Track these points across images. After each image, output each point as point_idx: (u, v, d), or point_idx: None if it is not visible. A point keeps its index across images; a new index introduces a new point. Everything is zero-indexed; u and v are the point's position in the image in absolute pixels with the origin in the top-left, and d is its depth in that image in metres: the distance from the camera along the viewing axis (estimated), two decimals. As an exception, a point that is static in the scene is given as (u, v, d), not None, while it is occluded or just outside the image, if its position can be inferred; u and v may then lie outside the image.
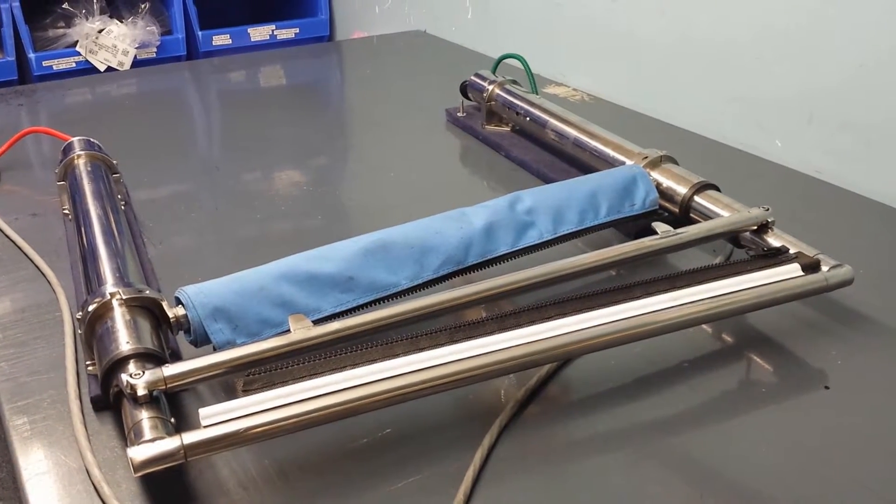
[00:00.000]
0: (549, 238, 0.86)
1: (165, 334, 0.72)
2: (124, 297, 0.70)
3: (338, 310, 0.74)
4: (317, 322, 0.71)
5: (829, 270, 0.77)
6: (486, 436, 0.66)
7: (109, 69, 2.20)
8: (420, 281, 0.78)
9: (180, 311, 0.71)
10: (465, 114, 1.37)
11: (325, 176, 1.25)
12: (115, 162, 1.05)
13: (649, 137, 1.07)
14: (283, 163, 1.27)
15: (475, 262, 0.81)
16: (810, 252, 0.79)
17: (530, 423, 0.70)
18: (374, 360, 0.64)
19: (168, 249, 0.99)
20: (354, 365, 0.64)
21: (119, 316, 0.69)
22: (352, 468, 0.65)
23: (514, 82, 1.31)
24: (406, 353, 0.65)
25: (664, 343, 0.77)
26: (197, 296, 0.71)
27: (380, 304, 0.77)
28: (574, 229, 0.88)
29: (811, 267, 0.77)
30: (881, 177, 1.09)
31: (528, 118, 1.21)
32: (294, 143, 1.35)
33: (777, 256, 0.80)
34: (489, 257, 0.82)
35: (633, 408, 0.72)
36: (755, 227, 0.85)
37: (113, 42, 2.17)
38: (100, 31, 2.21)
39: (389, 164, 1.26)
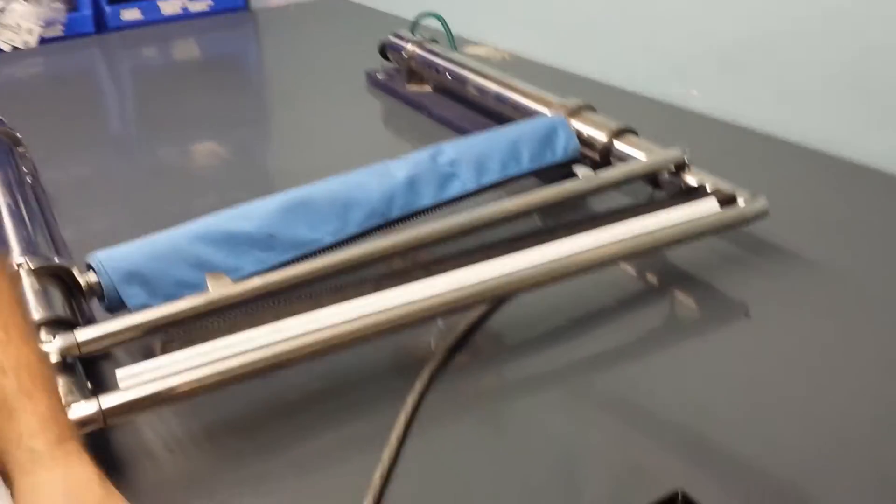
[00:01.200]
0: (473, 188, 0.85)
1: (79, 303, 0.69)
2: (32, 267, 0.67)
3: (259, 269, 0.73)
4: (237, 281, 0.69)
5: (745, 203, 0.79)
6: (417, 382, 0.66)
7: (14, 49, 2.11)
8: (343, 236, 0.77)
9: (92, 277, 0.68)
10: (385, 76, 1.35)
11: (246, 147, 1.22)
12: (18, 135, 1.01)
13: (570, 91, 1.07)
14: (202, 137, 1.24)
15: (399, 216, 0.80)
16: (727, 187, 0.80)
17: (460, 369, 0.69)
18: (297, 313, 0.63)
19: (84, 229, 0.94)
20: (277, 319, 0.62)
21: (28, 286, 0.66)
22: (281, 425, 0.64)
23: (434, 41, 1.30)
24: (331, 303, 0.64)
25: (590, 286, 0.77)
26: (109, 260, 0.68)
27: (303, 260, 0.75)
28: (497, 179, 0.87)
29: (728, 201, 0.79)
30: (792, 117, 1.12)
31: (448, 76, 1.20)
32: (213, 117, 1.32)
33: (695, 193, 0.81)
34: (413, 210, 0.81)
35: (562, 349, 0.72)
36: (673, 168, 0.86)
37: (17, 21, 2.07)
38: (1, 11, 2.11)
39: (312, 131, 1.24)
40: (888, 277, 0.81)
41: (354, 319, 0.63)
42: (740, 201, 0.79)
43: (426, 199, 0.82)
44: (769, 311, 0.76)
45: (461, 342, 0.72)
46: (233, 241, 0.72)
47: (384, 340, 0.70)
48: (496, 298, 0.72)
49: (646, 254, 0.75)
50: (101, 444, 0.61)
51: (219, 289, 0.65)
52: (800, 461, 0.60)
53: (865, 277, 0.81)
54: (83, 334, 0.61)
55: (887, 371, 0.69)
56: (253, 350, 0.60)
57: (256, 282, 0.66)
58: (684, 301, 0.79)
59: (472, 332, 0.73)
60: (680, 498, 0.51)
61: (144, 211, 1.01)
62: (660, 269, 0.82)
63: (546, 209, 0.81)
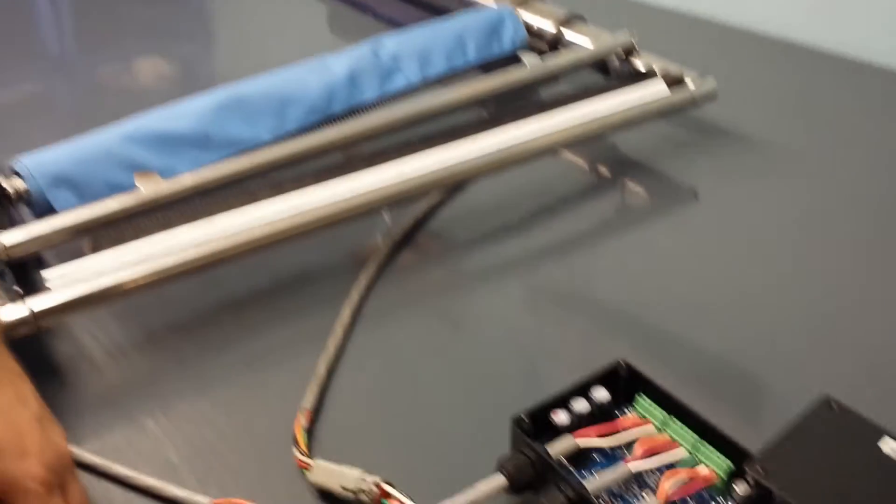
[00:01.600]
0: (417, 82, 0.83)
1: (8, 212, 0.66)
2: (-48, 174, 0.64)
3: (194, 169, 0.70)
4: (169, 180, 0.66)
5: (693, 85, 0.77)
6: (363, 275, 0.64)
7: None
8: (282, 133, 0.74)
9: (19, 183, 0.65)
10: (328, -22, 1.30)
11: (188, 60, 1.17)
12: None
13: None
14: (142, 51, 1.19)
15: (341, 112, 0.78)
16: (675, 70, 0.79)
17: (408, 263, 0.68)
18: (234, 209, 0.61)
19: (19, 150, 0.91)
20: (212, 215, 0.60)
21: (-51, 195, 0.63)
22: (226, 323, 0.62)
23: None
24: (269, 198, 0.62)
25: (539, 178, 0.76)
26: (36, 165, 0.65)
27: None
28: (442, 72, 0.84)
29: (676, 83, 0.77)
30: (746, 5, 1.10)
31: (393, -27, 1.16)
32: (152, 29, 1.26)
33: (644, 78, 0.79)
34: (355, 105, 0.78)
35: (512, 241, 0.71)
36: (622, 53, 0.83)
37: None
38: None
39: (255, 38, 1.19)
40: (839, 158, 0.80)
41: (294, 214, 0.61)
42: (688, 83, 0.77)
43: (368, 94, 0.79)
44: (718, 193, 0.76)
45: (408, 236, 0.71)
46: (167, 141, 0.69)
47: (330, 236, 0.69)
48: (442, 188, 0.71)
49: (595, 138, 0.74)
50: (40, 353, 0.60)
51: (150, 188, 0.63)
52: (740, 338, 0.60)
53: (816, 158, 0.80)
54: (9, 238, 0.58)
55: (836, 251, 0.69)
56: (187, 247, 0.58)
57: (189, 179, 0.64)
58: (634, 188, 0.78)
59: (420, 225, 0.72)
60: (623, 365, 0.51)
61: (84, 131, 0.97)
62: (610, 157, 0.81)
63: (493, 98, 0.79)
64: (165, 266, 0.57)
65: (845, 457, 0.47)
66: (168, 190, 0.63)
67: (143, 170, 0.67)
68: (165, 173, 0.68)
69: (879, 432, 0.47)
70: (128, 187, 0.66)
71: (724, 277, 0.66)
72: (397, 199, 0.65)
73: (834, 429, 0.48)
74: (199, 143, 0.70)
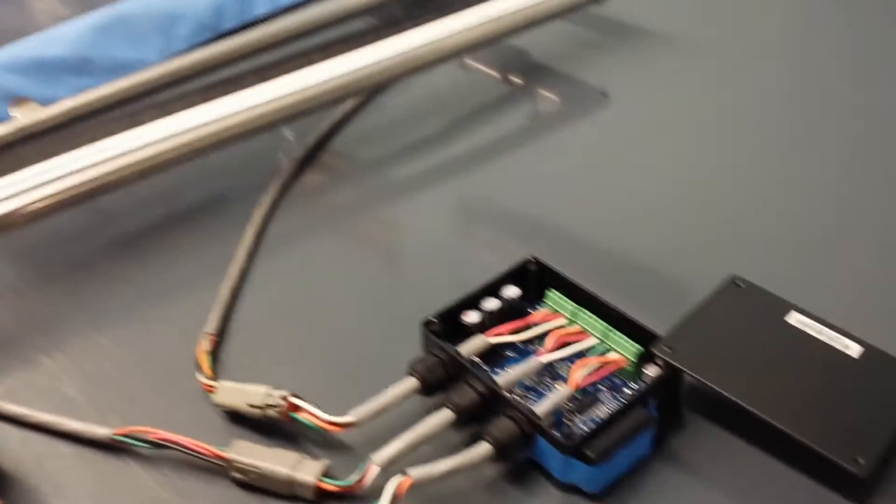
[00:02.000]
0: (312, -7, 0.79)
1: None
2: None
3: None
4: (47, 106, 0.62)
5: (597, -21, 0.75)
6: (266, 197, 0.62)
7: None
8: (170, 54, 0.70)
9: None
10: None
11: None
12: None
13: None
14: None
15: (232, 28, 0.74)
16: (577, -35, 0.77)
17: (315, 183, 0.66)
18: (120, 133, 0.57)
19: None
20: (97, 139, 0.57)
21: None
22: (120, 259, 0.59)
23: None
24: (155, 119, 0.58)
25: (448, 88, 0.74)
26: None
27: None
28: (339, -18, 0.81)
29: (579, -22, 0.75)
30: None
31: None
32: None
33: (547, -24, 0.77)
34: (247, 20, 0.74)
35: (422, 156, 0.68)
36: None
37: None
38: None
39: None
40: (747, 49, 0.80)
41: (184, 133, 0.58)
42: (591, -24, 0.75)
43: (260, 8, 0.75)
44: (628, 91, 0.75)
45: (313, 154, 0.68)
46: (43, 68, 0.65)
47: (228, 158, 0.66)
48: (344, 99, 0.67)
49: (500, 38, 0.71)
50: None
51: (27, 115, 0.58)
52: (650, 233, 0.60)
53: (724, 50, 0.80)
54: None
55: (746, 143, 0.69)
56: (70, 174, 0.54)
57: (69, 103, 0.60)
58: (545, 93, 0.76)
59: (325, 143, 0.69)
60: (532, 261, 0.50)
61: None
62: (520, 64, 0.79)
63: (391, 3, 0.76)
64: (47, 195, 0.53)
65: (753, 332, 0.47)
66: (46, 116, 0.59)
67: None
68: (44, 102, 0.63)
69: (787, 306, 0.48)
70: (4, 118, 0.62)
71: (635, 175, 0.65)
72: (296, 113, 0.62)
73: (741, 306, 0.48)
74: (79, 69, 0.66)
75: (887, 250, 0.57)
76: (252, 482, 0.43)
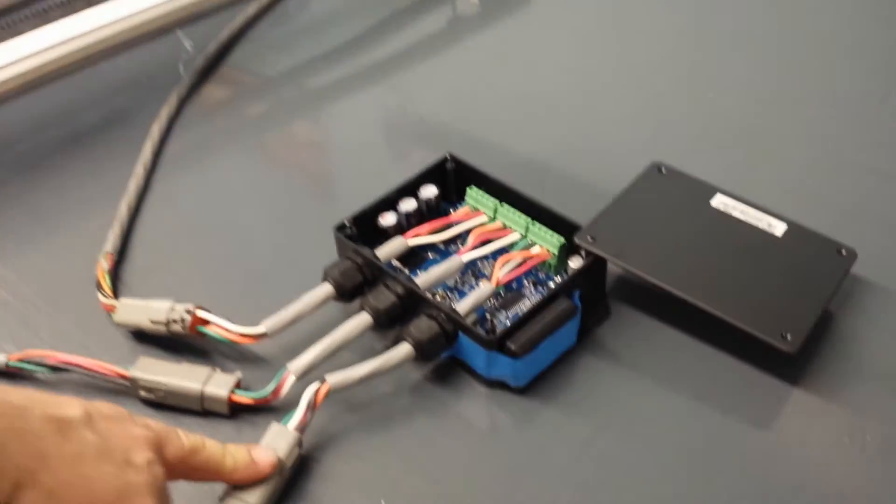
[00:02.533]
0: None
1: None
2: None
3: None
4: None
5: None
6: (164, 110, 0.58)
7: None
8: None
9: None
10: None
11: None
12: None
13: None
14: None
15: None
16: None
17: (216, 96, 0.62)
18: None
19: None
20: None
21: None
22: (8, 182, 0.55)
23: None
24: (35, 28, 0.54)
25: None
26: None
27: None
28: None
29: None
30: None
31: None
32: None
33: None
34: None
35: (330, 66, 0.65)
36: None
37: None
38: None
39: None
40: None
41: (69, 41, 0.53)
42: None
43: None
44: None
45: (211, 66, 0.64)
46: None
47: (123, 73, 0.62)
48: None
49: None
50: None
51: None
52: (570, 129, 0.58)
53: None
54: None
55: (659, 34, 0.67)
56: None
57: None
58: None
59: (223, 55, 0.65)
60: (450, 158, 0.48)
61: None
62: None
63: None
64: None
65: (677, 217, 0.46)
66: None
67: None
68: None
69: (710, 190, 0.47)
70: None
71: (555, 74, 0.63)
72: (192, 15, 0.57)
73: (664, 192, 0.47)
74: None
75: (805, 131, 0.56)
76: (161, 401, 0.40)
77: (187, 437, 0.35)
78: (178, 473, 0.34)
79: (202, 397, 0.40)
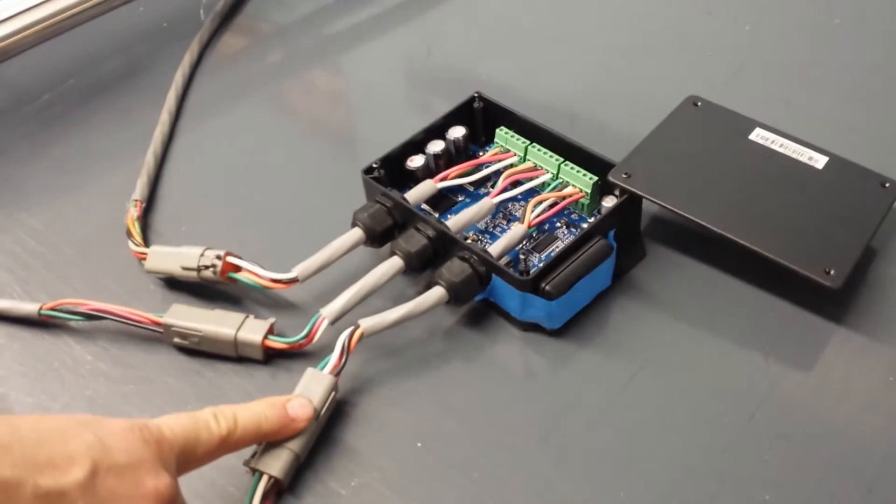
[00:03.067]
0: None
1: None
2: None
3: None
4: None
5: None
6: (186, 54, 0.57)
7: None
8: None
9: None
10: None
11: None
12: None
13: None
14: None
15: None
16: None
17: (235, 45, 0.60)
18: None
19: None
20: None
21: None
22: (34, 135, 0.54)
23: None
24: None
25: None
26: None
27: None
28: None
29: None
30: None
31: None
32: None
33: None
34: None
35: (349, 11, 0.64)
36: None
37: None
38: None
39: None
40: None
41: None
42: None
43: None
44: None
45: (232, 11, 0.62)
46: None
47: (142, 21, 0.61)
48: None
49: None
50: None
51: None
52: (599, 68, 0.56)
53: None
54: None
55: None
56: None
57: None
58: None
59: (239, 5, 0.64)
60: (477, 97, 0.46)
61: None
62: None
63: None
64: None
65: (714, 152, 0.44)
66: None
67: None
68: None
69: (749, 123, 0.45)
70: None
71: (582, 14, 0.61)
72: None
73: (701, 126, 0.45)
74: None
75: (845, 61, 0.54)
76: (194, 347, 0.40)
77: (218, 422, 0.33)
78: (216, 457, 0.33)
79: (236, 343, 0.40)
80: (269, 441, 0.36)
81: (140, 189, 0.48)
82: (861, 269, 0.41)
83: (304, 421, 0.36)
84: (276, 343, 0.40)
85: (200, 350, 0.40)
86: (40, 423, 0.29)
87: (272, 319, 0.41)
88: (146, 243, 0.45)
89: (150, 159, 0.50)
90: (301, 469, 0.36)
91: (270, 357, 0.40)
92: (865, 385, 0.38)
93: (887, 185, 0.42)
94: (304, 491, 0.36)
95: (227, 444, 0.33)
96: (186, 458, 0.32)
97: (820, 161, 0.43)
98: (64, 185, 0.51)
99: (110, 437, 0.30)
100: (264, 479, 0.35)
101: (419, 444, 0.37)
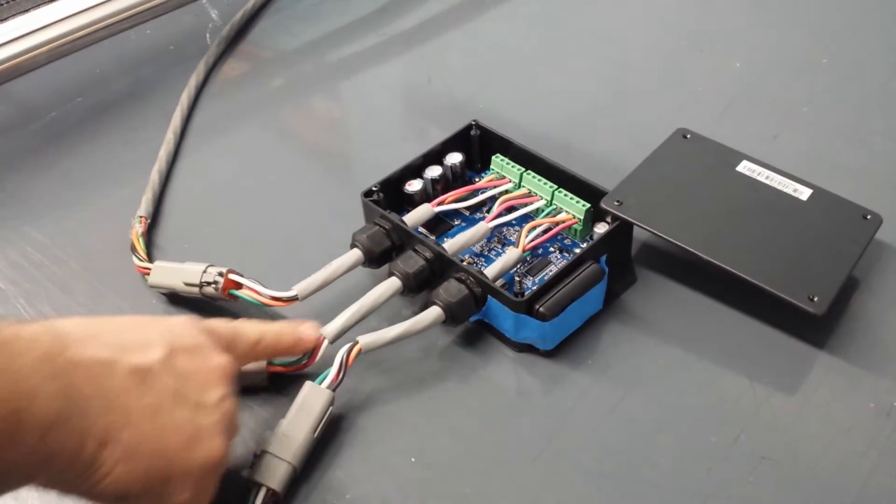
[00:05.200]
0: None
1: None
2: None
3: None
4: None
5: None
6: (193, 76, 0.59)
7: None
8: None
9: None
10: None
11: None
12: None
13: None
14: None
15: None
16: None
17: (239, 70, 0.62)
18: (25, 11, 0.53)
19: None
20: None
21: None
22: (40, 150, 0.55)
23: None
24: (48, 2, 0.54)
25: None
26: None
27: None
28: None
29: None
30: None
31: None
32: None
33: None
34: None
35: (350, 39, 0.65)
36: None
37: None
38: None
39: None
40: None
41: (99, 5, 0.54)
42: None
43: None
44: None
45: (238, 35, 0.64)
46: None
47: (149, 41, 0.62)
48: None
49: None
50: None
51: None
52: (586, 102, 0.58)
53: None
54: None
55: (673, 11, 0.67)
56: None
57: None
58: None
59: (249, 25, 0.65)
60: (475, 125, 0.48)
61: None
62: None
63: None
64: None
65: (703, 182, 0.46)
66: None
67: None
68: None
69: (736, 156, 0.47)
70: None
71: (577, 46, 0.63)
72: None
73: (690, 157, 0.47)
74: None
75: (830, 100, 0.56)
76: None
77: (252, 328, 0.38)
78: (249, 358, 0.38)
79: (241, 374, 0.39)
80: (286, 354, 0.40)
81: (145, 205, 0.49)
82: (844, 298, 0.43)
83: (311, 341, 0.40)
84: (280, 367, 0.41)
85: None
86: (116, 320, 0.35)
87: (271, 341, 0.41)
88: (149, 257, 0.46)
89: (154, 177, 0.51)
90: (297, 481, 0.37)
91: (274, 379, 0.41)
92: (847, 410, 0.39)
93: (869, 217, 0.43)
94: (300, 503, 0.37)
95: (258, 348, 0.38)
96: (231, 351, 0.36)
97: (804, 193, 0.44)
98: (69, 201, 0.52)
99: (176, 327, 0.35)
100: (262, 491, 0.36)
101: (413, 460, 0.38)
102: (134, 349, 0.32)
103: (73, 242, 0.49)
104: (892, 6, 0.64)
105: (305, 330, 0.40)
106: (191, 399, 0.33)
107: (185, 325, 0.35)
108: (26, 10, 0.55)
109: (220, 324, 0.37)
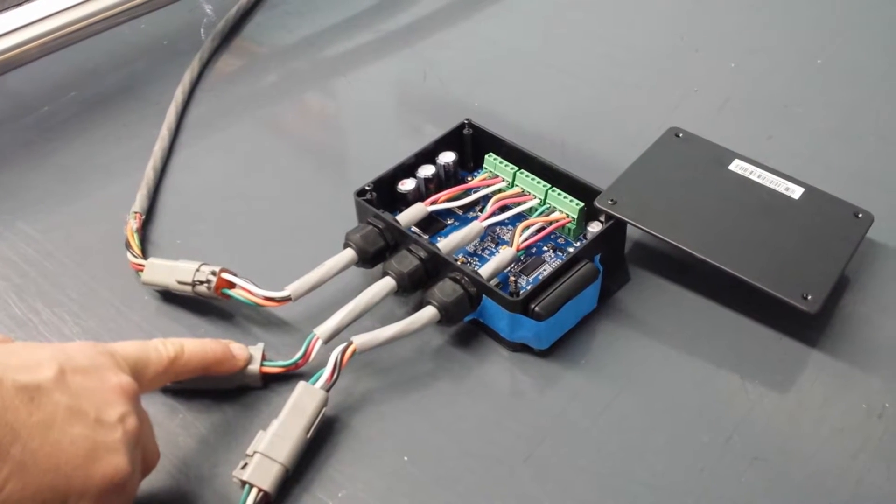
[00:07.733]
0: None
1: None
2: None
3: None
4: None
5: None
6: (187, 72, 0.58)
7: None
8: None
9: None
10: None
11: None
12: None
13: None
14: None
15: None
16: None
17: (232, 67, 0.62)
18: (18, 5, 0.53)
19: None
20: (-5, 16, 0.52)
21: None
22: (34, 144, 0.55)
23: None
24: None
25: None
26: None
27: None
28: None
29: None
30: None
31: None
32: None
33: None
34: None
35: (346, 36, 0.65)
36: None
37: None
38: None
39: None
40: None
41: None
42: None
43: None
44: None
45: (233, 30, 0.64)
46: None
47: (143, 31, 0.62)
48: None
49: None
50: None
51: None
52: (579, 102, 0.58)
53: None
54: None
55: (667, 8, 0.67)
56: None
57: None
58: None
59: (243, 20, 0.65)
60: (467, 124, 0.48)
61: None
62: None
63: None
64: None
65: (695, 181, 0.46)
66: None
67: None
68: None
69: (728, 154, 0.47)
70: None
71: (574, 40, 0.63)
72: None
73: (683, 156, 0.47)
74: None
75: (823, 99, 0.56)
76: (192, 387, 0.41)
77: (166, 347, 0.37)
78: (165, 380, 0.37)
79: (235, 375, 0.40)
80: (211, 373, 0.39)
81: (140, 201, 0.49)
82: (835, 297, 0.43)
83: (242, 360, 0.40)
84: (274, 368, 0.40)
85: (199, 389, 0.41)
86: (4, 343, 0.33)
87: (261, 345, 0.41)
88: (144, 254, 0.46)
89: (149, 173, 0.51)
90: (289, 480, 0.37)
91: (267, 381, 0.41)
92: (840, 409, 0.39)
93: (860, 215, 0.44)
94: (292, 502, 0.37)
95: (175, 367, 0.37)
96: (138, 376, 0.35)
97: (796, 191, 0.44)
98: (62, 196, 0.52)
99: (70, 349, 0.34)
100: (253, 491, 0.36)
101: (406, 459, 0.38)
102: (20, 368, 0.31)
103: (65, 237, 0.49)
104: (887, 7, 0.64)
105: (235, 347, 0.40)
106: (89, 415, 0.32)
107: (81, 347, 0.34)
108: (19, 4, 0.54)
109: (125, 346, 0.36)
